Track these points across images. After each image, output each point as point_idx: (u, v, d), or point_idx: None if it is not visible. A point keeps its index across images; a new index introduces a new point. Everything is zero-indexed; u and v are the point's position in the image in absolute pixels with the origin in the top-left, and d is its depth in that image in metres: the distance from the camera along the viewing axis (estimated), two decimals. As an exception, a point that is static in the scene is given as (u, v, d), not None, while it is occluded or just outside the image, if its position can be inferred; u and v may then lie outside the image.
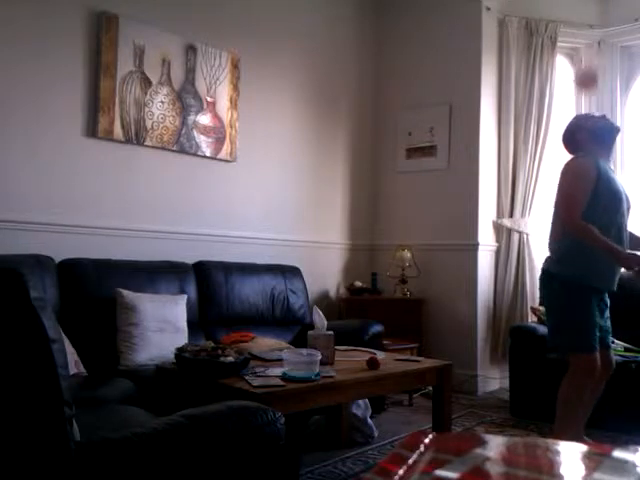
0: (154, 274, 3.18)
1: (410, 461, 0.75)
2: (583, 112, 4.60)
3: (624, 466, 0.78)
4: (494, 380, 4.48)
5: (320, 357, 2.30)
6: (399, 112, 4.85)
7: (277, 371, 2.29)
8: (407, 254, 4.56)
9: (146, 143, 3.46)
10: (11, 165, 2.98)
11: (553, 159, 4.56)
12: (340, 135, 4.76)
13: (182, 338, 2.93)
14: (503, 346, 4.36)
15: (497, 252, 4.56)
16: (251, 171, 4.06)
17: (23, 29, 3.01)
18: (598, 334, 2.62)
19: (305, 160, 4.45)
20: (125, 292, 2.91)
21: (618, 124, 2.92)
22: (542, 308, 4.00)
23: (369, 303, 4.45)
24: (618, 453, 0.80)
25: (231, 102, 3.89)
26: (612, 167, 2.80)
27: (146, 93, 3.46)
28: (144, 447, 1.37)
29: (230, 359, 2.25)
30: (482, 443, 0.90)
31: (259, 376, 2.24)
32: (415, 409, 3.81)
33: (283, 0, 4.30)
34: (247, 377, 2.20)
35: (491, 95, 4.51)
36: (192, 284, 3.37)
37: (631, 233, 2.79)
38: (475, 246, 4.39)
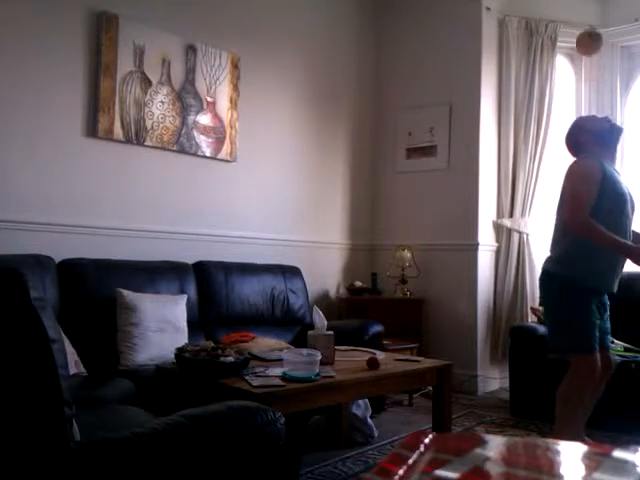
0: (154, 274, 3.18)
1: (410, 461, 0.75)
2: (583, 112, 4.60)
3: (624, 466, 0.78)
4: (494, 380, 4.48)
5: (320, 357, 2.30)
6: (399, 112, 4.85)
7: (277, 371, 2.29)
8: (407, 254, 4.56)
9: (146, 143, 3.46)
10: (11, 165, 2.98)
11: (553, 159, 4.56)
12: (340, 135, 4.76)
13: (182, 338, 2.93)
14: (503, 346, 4.36)
15: (497, 252, 4.56)
16: (251, 171, 4.06)
17: (23, 29, 3.01)
18: (598, 335, 2.62)
19: (305, 160, 4.45)
20: (125, 292, 2.91)
21: (619, 124, 2.90)
22: (542, 308, 4.01)
23: (369, 303, 4.45)
24: (618, 453, 0.80)
25: (231, 102, 3.89)
26: (617, 169, 2.77)
27: (146, 93, 3.46)
28: (144, 447, 1.37)
29: (230, 359, 2.25)
30: (482, 443, 0.90)
31: (259, 376, 2.24)
32: (415, 409, 3.81)
33: (283, 0, 4.30)
34: (247, 377, 2.20)
35: (491, 95, 4.51)
36: (192, 284, 3.36)
37: (635, 232, 2.78)
38: (475, 246, 4.39)
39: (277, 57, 4.24)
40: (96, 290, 2.93)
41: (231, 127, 3.89)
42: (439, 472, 0.72)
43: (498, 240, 4.56)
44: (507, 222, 4.49)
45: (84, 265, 2.97)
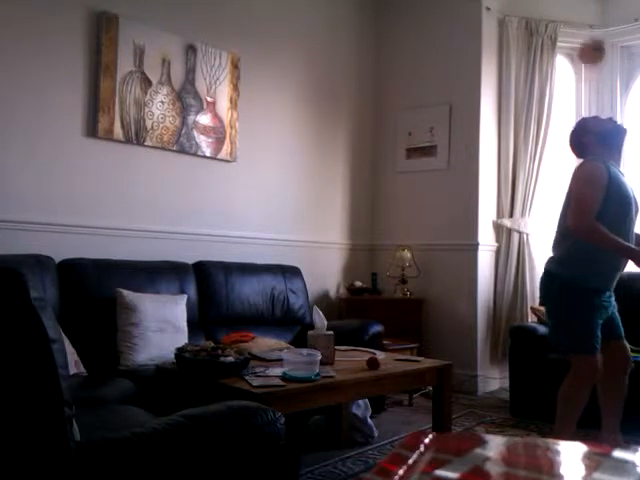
0: (154, 274, 3.18)
1: (410, 461, 0.75)
2: (583, 112, 4.60)
3: (624, 466, 0.78)
4: (494, 380, 4.48)
5: (320, 357, 2.30)
6: (399, 112, 4.85)
7: (277, 371, 2.29)
8: (407, 254, 4.56)
9: (146, 143, 3.46)
10: (11, 165, 2.97)
11: (553, 159, 4.56)
12: (340, 135, 4.76)
13: (182, 338, 2.93)
14: (503, 346, 4.36)
15: (497, 252, 4.56)
16: (251, 171, 4.06)
17: (23, 29, 3.01)
18: (600, 335, 2.61)
19: (305, 160, 4.45)
20: (125, 292, 2.91)
21: (623, 125, 2.88)
22: (542, 308, 4.01)
23: (369, 303, 4.45)
24: (618, 453, 0.80)
25: (231, 102, 3.89)
26: (621, 170, 2.76)
27: (146, 93, 3.46)
28: (144, 447, 1.37)
29: (230, 359, 2.25)
30: (482, 443, 0.90)
31: (259, 376, 2.24)
32: (415, 409, 3.81)
33: (283, 0, 4.30)
34: (247, 377, 2.20)
35: (491, 95, 4.51)
36: (192, 284, 3.36)
37: (637, 234, 2.78)
38: (475, 246, 4.39)
39: (277, 57, 4.24)
40: (96, 290, 2.93)
41: (231, 127, 3.89)
42: (439, 472, 0.72)
43: (498, 240, 4.56)
44: (507, 222, 4.49)
45: (84, 265, 2.97)
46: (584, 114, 4.55)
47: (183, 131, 3.64)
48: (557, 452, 0.86)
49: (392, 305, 4.43)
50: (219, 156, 3.83)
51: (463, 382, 4.22)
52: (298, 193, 4.39)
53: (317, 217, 4.54)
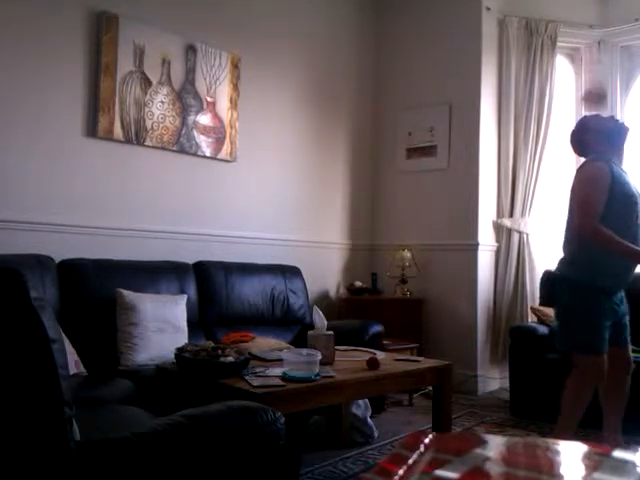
0: (154, 274, 3.18)
1: (410, 461, 0.75)
2: (583, 112, 4.60)
3: (624, 466, 0.78)
4: (494, 380, 4.48)
5: (320, 357, 2.30)
6: (399, 112, 4.85)
7: (277, 371, 2.29)
8: (407, 254, 4.56)
9: (146, 143, 3.45)
10: (11, 165, 2.98)
11: (553, 159, 4.56)
12: (340, 135, 4.76)
13: (182, 338, 2.93)
14: (503, 346, 4.36)
15: (497, 252, 4.56)
16: (251, 171, 4.06)
17: (23, 29, 3.01)
18: (607, 338, 2.61)
19: (305, 160, 4.45)
20: (125, 292, 2.91)
21: (625, 123, 2.87)
22: (542, 308, 4.01)
23: (369, 303, 4.45)
24: (618, 453, 0.80)
25: (231, 102, 3.89)
26: (624, 169, 2.75)
27: (146, 93, 3.46)
28: (144, 447, 1.37)
29: (230, 359, 2.25)
30: (482, 443, 0.91)
31: (259, 376, 2.24)
32: (415, 409, 3.81)
33: (283, 0, 4.30)
34: (247, 377, 2.20)
35: (491, 95, 4.51)
36: (192, 284, 3.37)
37: None
38: (475, 246, 4.39)
39: (277, 57, 4.24)
40: (96, 290, 2.93)
41: (231, 127, 3.89)
42: (439, 472, 0.72)
43: (498, 240, 4.56)
44: (507, 222, 4.49)
45: (84, 265, 2.97)
46: (584, 114, 4.54)
47: (183, 131, 3.64)
48: (557, 452, 0.86)
49: (392, 305, 4.43)
50: (219, 156, 3.83)
51: (463, 382, 4.22)
52: (298, 193, 4.39)
53: (317, 217, 4.54)
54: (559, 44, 4.51)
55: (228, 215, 3.91)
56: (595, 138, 2.74)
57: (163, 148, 3.56)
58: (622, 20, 4.48)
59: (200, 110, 3.73)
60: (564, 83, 4.69)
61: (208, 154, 3.77)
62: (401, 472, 0.71)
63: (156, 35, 3.49)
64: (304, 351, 2.37)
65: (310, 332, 2.63)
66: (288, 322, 3.74)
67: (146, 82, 3.46)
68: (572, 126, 2.94)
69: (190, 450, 1.41)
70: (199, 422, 1.48)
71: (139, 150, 3.45)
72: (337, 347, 2.69)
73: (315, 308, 2.69)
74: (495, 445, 0.89)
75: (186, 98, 3.67)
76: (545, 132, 4.45)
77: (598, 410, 2.76)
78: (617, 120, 2.87)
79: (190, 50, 3.68)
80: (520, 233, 4.46)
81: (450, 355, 3.72)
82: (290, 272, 3.90)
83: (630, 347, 2.78)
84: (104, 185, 3.31)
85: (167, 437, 1.42)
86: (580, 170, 2.71)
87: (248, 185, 4.04)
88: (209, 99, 3.78)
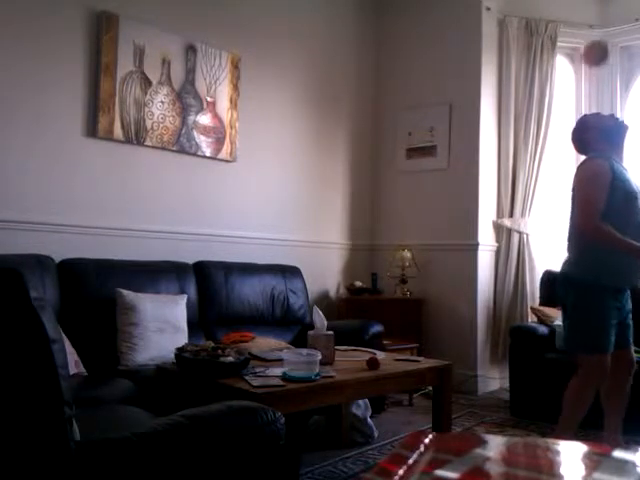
0: (154, 274, 3.18)
1: (410, 461, 0.75)
2: (583, 111, 4.60)
3: (624, 466, 0.78)
4: (494, 380, 4.48)
5: (320, 357, 2.30)
6: (399, 112, 4.85)
7: (277, 371, 2.29)
8: (407, 254, 4.56)
9: (146, 143, 3.45)
10: (11, 165, 2.98)
11: (553, 159, 4.56)
12: (340, 135, 4.76)
13: (182, 338, 2.93)
14: (503, 346, 4.36)
15: (497, 252, 4.56)
16: (251, 171, 4.06)
17: (23, 29, 3.01)
18: (613, 337, 2.60)
19: (305, 160, 4.45)
20: (125, 292, 2.91)
21: (624, 121, 2.87)
22: (542, 308, 4.01)
23: (369, 303, 4.45)
24: (618, 453, 0.80)
25: (231, 102, 3.89)
26: (625, 166, 2.75)
27: (146, 93, 3.46)
28: (144, 447, 1.37)
29: (230, 359, 2.25)
30: (482, 443, 0.91)
31: (259, 376, 2.24)
32: (415, 409, 3.81)
33: (283, 0, 4.30)
34: (247, 377, 2.20)
35: (491, 95, 4.51)
36: (192, 284, 3.36)
37: None
38: (475, 246, 4.39)
39: (277, 57, 4.24)
40: (96, 290, 2.93)
41: (231, 127, 3.89)
42: (439, 472, 0.72)
43: (498, 240, 4.56)
44: (507, 222, 4.49)
45: (84, 265, 2.97)
46: (584, 114, 4.54)
47: (183, 131, 3.64)
48: (557, 452, 0.86)
49: (392, 305, 4.43)
50: (219, 156, 3.83)
51: (463, 382, 4.22)
52: (298, 193, 4.39)
53: (317, 217, 4.54)
54: (559, 44, 4.51)
55: (228, 215, 3.91)
56: (595, 136, 2.74)
57: (163, 148, 3.56)
58: (622, 20, 4.48)
59: (200, 110, 3.73)
60: (564, 83, 4.69)
61: (208, 154, 3.77)
62: (401, 472, 0.71)
63: (156, 35, 3.49)
64: (304, 351, 2.37)
65: (310, 332, 2.63)
66: (288, 322, 3.74)
67: (146, 82, 3.46)
68: (572, 125, 2.94)
69: (190, 450, 1.41)
70: (199, 422, 1.48)
71: (139, 150, 3.45)
72: (337, 347, 2.69)
73: (315, 308, 2.69)
74: (495, 445, 0.89)
75: (186, 98, 3.67)
76: (545, 132, 4.45)
77: (598, 410, 2.75)
78: (617, 118, 2.87)
79: (190, 50, 3.68)
80: (520, 233, 4.46)
81: (450, 355, 3.72)
82: (290, 272, 3.90)
83: (633, 348, 2.78)
84: (104, 185, 3.31)
85: (167, 437, 1.42)
86: (580, 168, 2.72)
87: (248, 185, 4.04)
88: (209, 99, 3.78)
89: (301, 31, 4.42)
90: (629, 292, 2.73)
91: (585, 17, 4.60)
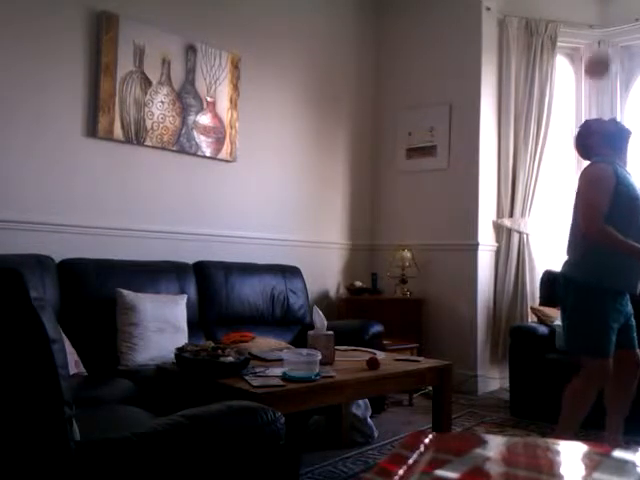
0: (154, 274, 3.18)
1: (410, 461, 0.75)
2: (583, 111, 4.60)
3: (624, 466, 0.78)
4: (494, 380, 4.48)
5: (320, 357, 2.30)
6: (399, 112, 4.85)
7: (277, 371, 2.29)
8: (407, 254, 4.56)
9: (146, 143, 3.45)
10: (11, 165, 2.98)
11: (553, 159, 4.56)
12: (340, 135, 4.76)
13: (182, 338, 2.93)
14: (503, 346, 4.36)
15: (497, 252, 4.56)
16: (251, 171, 4.06)
17: (23, 29, 3.01)
18: (614, 340, 2.60)
19: (305, 160, 4.45)
20: (125, 292, 2.91)
21: (627, 126, 2.87)
22: (542, 308, 4.01)
23: (369, 303, 4.45)
24: (618, 453, 0.80)
25: (231, 102, 3.89)
26: (629, 171, 2.75)
27: (146, 93, 3.46)
28: (144, 447, 1.37)
29: (230, 359, 2.25)
30: (482, 443, 0.91)
31: (259, 376, 2.24)
32: (415, 409, 3.81)
33: (283, 0, 4.30)
34: (247, 377, 2.20)
35: (491, 95, 4.51)
36: (192, 284, 3.36)
37: None
38: (475, 246, 4.39)
39: (277, 57, 4.24)
40: (96, 290, 2.93)
41: (231, 127, 3.89)
42: (439, 472, 0.72)
43: (498, 240, 4.56)
44: (507, 222, 4.49)
45: (84, 265, 2.97)
46: (584, 114, 4.55)
47: (183, 131, 3.64)
48: (557, 452, 0.86)
49: (392, 305, 4.43)
50: (219, 156, 3.83)
51: (463, 382, 4.22)
52: (298, 193, 4.39)
53: (317, 217, 4.54)
54: (559, 44, 4.51)
55: (228, 215, 3.91)
56: (598, 141, 2.74)
57: (163, 148, 3.56)
58: (622, 20, 4.48)
59: (200, 110, 3.73)
60: (564, 83, 4.69)
61: (208, 154, 3.77)
62: (401, 472, 0.71)
63: (156, 35, 3.49)
64: (304, 351, 2.37)
65: (310, 332, 2.63)
66: (288, 322, 3.74)
67: (146, 82, 3.46)
68: (575, 129, 2.94)
69: (190, 450, 1.41)
70: (199, 422, 1.48)
71: (139, 150, 3.45)
72: (337, 347, 2.69)
73: (315, 308, 2.69)
74: (495, 445, 0.89)
75: (186, 98, 3.67)
76: (545, 132, 4.45)
77: (598, 410, 2.76)
78: (619, 123, 2.87)
79: (190, 50, 3.68)
80: (520, 233, 4.46)
81: (450, 355, 3.72)
82: (290, 272, 3.90)
83: (638, 350, 2.77)
84: (104, 185, 3.31)
85: (167, 437, 1.42)
86: (584, 172, 2.72)
87: (248, 185, 4.03)
88: (209, 99, 3.78)
89: (301, 31, 4.42)
90: (628, 295, 2.73)
91: (585, 17, 4.60)
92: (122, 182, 3.39)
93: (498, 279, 4.52)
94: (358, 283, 4.59)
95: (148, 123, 3.46)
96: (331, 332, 2.61)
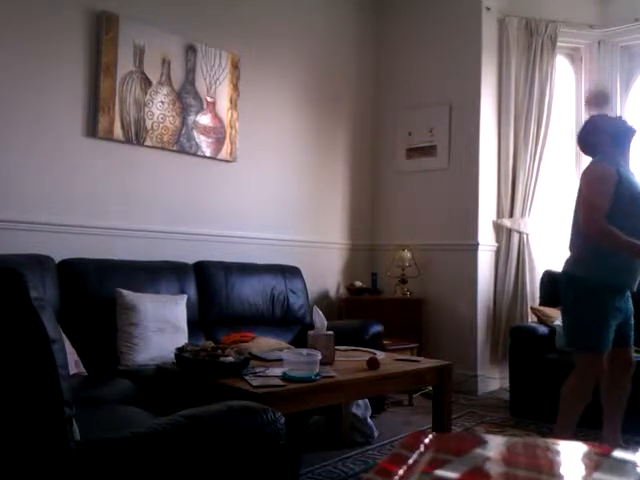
0: (154, 274, 3.18)
1: (410, 461, 0.75)
2: (583, 112, 4.60)
3: (624, 466, 0.78)
4: (494, 380, 4.48)
5: (320, 357, 2.30)
6: (399, 112, 4.85)
7: (277, 371, 2.29)
8: (407, 254, 4.56)
9: (146, 143, 3.45)
10: (11, 165, 2.98)
11: (553, 159, 4.56)
12: (340, 135, 4.76)
13: (182, 338, 2.93)
14: (503, 346, 4.36)
15: (497, 252, 4.56)
16: (251, 171, 4.06)
17: (23, 29, 3.01)
18: (611, 337, 2.60)
19: (305, 160, 4.45)
20: (125, 292, 2.91)
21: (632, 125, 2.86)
22: (542, 308, 4.01)
23: (369, 303, 4.45)
24: (618, 453, 0.80)
25: (231, 102, 3.89)
26: (632, 171, 2.75)
27: (146, 93, 3.46)
28: (144, 447, 1.37)
29: (230, 359, 2.25)
30: (482, 443, 0.91)
31: (259, 376, 2.24)
32: (415, 409, 3.81)
33: (283, 0, 4.30)
34: (247, 377, 2.20)
35: (491, 95, 4.51)
36: (192, 284, 3.36)
37: None
38: (475, 246, 4.39)
39: (277, 57, 4.24)
40: (96, 290, 2.93)
41: (231, 127, 3.89)
42: (439, 472, 0.72)
43: (498, 240, 4.56)
44: (507, 222, 4.49)
45: (84, 265, 2.97)
46: (584, 114, 4.55)
47: (183, 131, 3.64)
48: (557, 452, 0.86)
49: (392, 305, 4.43)
50: (219, 156, 3.83)
51: (463, 382, 4.22)
52: (298, 193, 4.39)
53: (317, 217, 4.54)
54: (559, 44, 4.51)
55: (228, 215, 3.91)
56: (602, 139, 2.74)
57: (163, 148, 3.56)
58: (622, 20, 4.48)
59: (200, 110, 3.73)
60: (564, 83, 4.69)
61: (208, 154, 3.77)
62: (401, 472, 0.71)
63: (156, 35, 3.49)
64: (304, 351, 2.37)
65: (310, 332, 2.63)
66: (288, 322, 3.74)
67: (146, 82, 3.46)
68: (577, 127, 2.94)
69: (190, 450, 1.41)
70: (199, 422, 1.48)
71: (139, 150, 3.45)
72: (337, 347, 2.69)
73: (315, 308, 2.69)
74: (495, 445, 0.89)
75: (186, 98, 3.67)
76: (545, 132, 4.45)
77: (598, 410, 2.76)
78: (624, 121, 2.85)
79: (190, 50, 3.68)
80: (520, 233, 4.46)
81: (450, 355, 3.72)
82: (290, 272, 3.90)
83: (633, 348, 2.78)
84: (104, 185, 3.31)
85: (167, 437, 1.42)
86: (586, 171, 2.72)
87: (248, 185, 4.03)
88: (209, 99, 3.78)
89: (301, 31, 4.42)
90: (629, 292, 2.73)
91: (585, 17, 4.60)
92: (122, 182, 3.39)
93: (498, 279, 4.52)
94: (358, 283, 4.59)
95: (148, 123, 3.46)
96: (331, 332, 2.61)
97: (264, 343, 3.02)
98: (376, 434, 3.11)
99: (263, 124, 4.15)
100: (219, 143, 3.83)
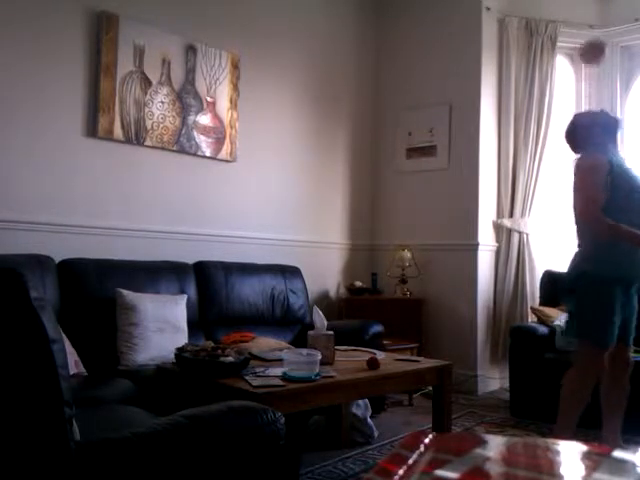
0: (154, 274, 3.18)
1: (410, 461, 0.75)
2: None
3: (624, 466, 0.78)
4: (494, 380, 4.48)
5: (320, 357, 2.30)
6: (399, 112, 4.85)
7: (277, 371, 2.29)
8: (407, 254, 4.56)
9: (146, 143, 3.45)
10: (11, 165, 2.98)
11: (553, 159, 4.56)
12: (340, 135, 4.76)
13: (182, 338, 2.93)
14: (503, 346, 4.36)
15: (497, 252, 4.56)
16: (251, 171, 4.06)
17: (23, 29, 3.01)
18: (615, 333, 2.60)
19: (305, 160, 4.45)
20: (125, 292, 2.91)
21: (615, 115, 2.92)
22: (542, 308, 4.01)
23: (369, 303, 4.45)
24: (618, 453, 0.80)
25: (231, 102, 3.89)
26: (629, 165, 2.76)
27: (146, 93, 3.46)
28: (144, 447, 1.37)
29: (230, 359, 2.25)
30: (482, 443, 0.91)
31: (259, 376, 2.24)
32: (415, 409, 3.81)
33: (283, 0, 4.30)
34: (247, 377, 2.20)
35: (491, 95, 4.51)
36: (192, 284, 3.36)
37: None
38: (475, 246, 4.39)
39: (277, 57, 4.24)
40: (96, 290, 2.93)
41: (231, 127, 3.89)
42: (439, 472, 0.72)
43: (498, 240, 4.56)
44: (507, 222, 4.49)
45: (84, 265, 2.97)
46: (578, 111, 4.54)
47: (183, 131, 3.64)
48: (557, 452, 0.86)
49: (392, 305, 4.43)
50: (219, 156, 3.83)
51: (463, 382, 4.22)
52: (298, 193, 4.39)
53: (317, 217, 4.54)
54: (559, 44, 4.51)
55: (228, 215, 3.91)
56: (593, 131, 2.76)
57: (163, 148, 3.56)
58: (622, 20, 4.48)
59: (200, 110, 3.73)
60: (564, 83, 4.69)
61: (208, 154, 3.77)
62: (401, 472, 0.71)
63: (156, 35, 3.49)
64: (304, 351, 2.37)
65: (310, 332, 2.63)
66: (288, 322, 3.74)
67: (146, 82, 3.46)
68: (567, 123, 2.95)
69: (190, 450, 1.41)
70: (199, 422, 1.48)
71: (139, 150, 3.45)
72: (337, 347, 2.69)
73: (315, 308, 2.69)
74: (495, 445, 0.89)
75: (186, 98, 3.67)
76: (545, 132, 4.45)
77: (598, 410, 2.76)
78: (607, 112, 2.90)
79: (190, 50, 3.68)
80: (520, 233, 4.46)
81: (450, 355, 3.72)
82: (290, 272, 3.90)
83: (632, 348, 2.78)
84: (104, 185, 3.31)
85: (167, 437, 1.42)
86: (578, 163, 2.73)
87: (248, 185, 4.03)
88: (209, 99, 3.78)
89: (301, 31, 4.42)
90: (635, 289, 2.73)
91: (585, 17, 4.60)
92: (122, 182, 3.39)
93: (498, 279, 4.52)
94: (358, 283, 4.59)
95: (148, 123, 3.46)
96: (331, 332, 2.61)
97: (264, 343, 3.02)
98: (376, 434, 3.11)
99: (263, 124, 4.15)
100: (219, 143, 3.83)
